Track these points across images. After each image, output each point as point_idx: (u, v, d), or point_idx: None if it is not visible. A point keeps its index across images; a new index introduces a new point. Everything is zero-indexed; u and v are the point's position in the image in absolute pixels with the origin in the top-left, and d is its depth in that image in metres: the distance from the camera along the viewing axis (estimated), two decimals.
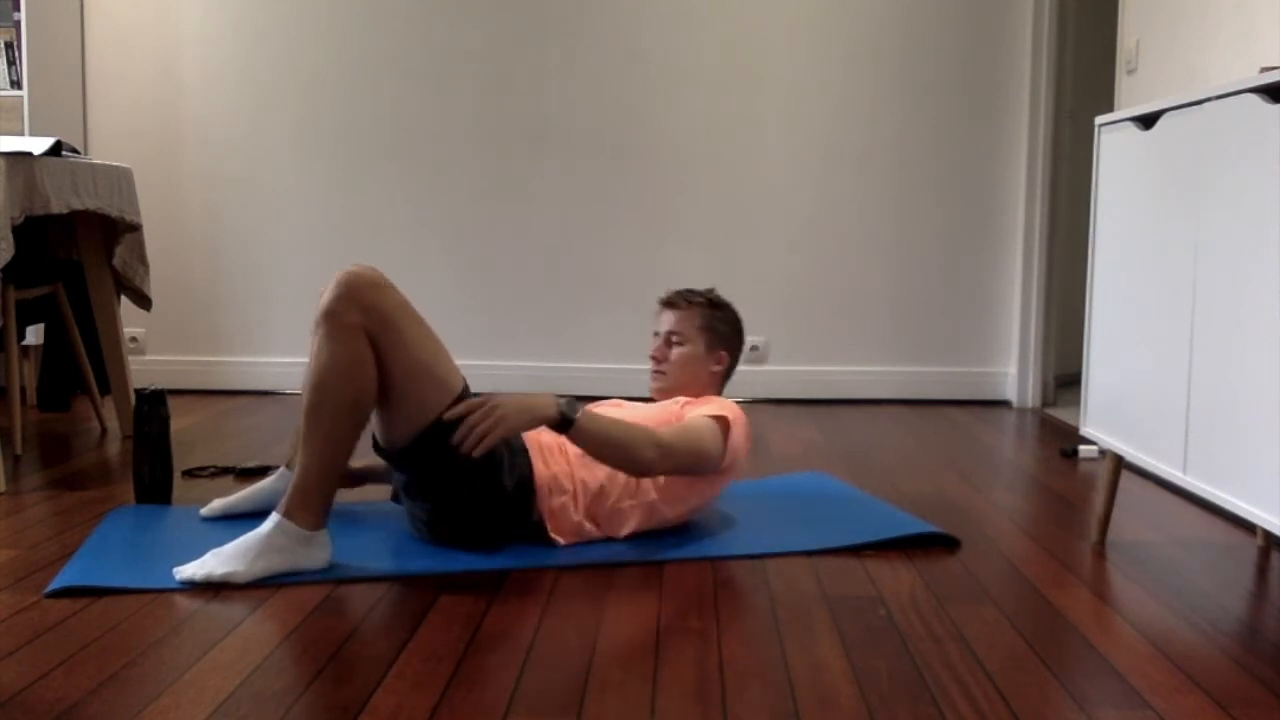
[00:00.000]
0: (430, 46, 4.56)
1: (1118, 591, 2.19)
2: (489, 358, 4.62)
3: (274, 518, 2.19)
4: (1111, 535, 2.61)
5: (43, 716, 1.56)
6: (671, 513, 2.48)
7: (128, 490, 2.91)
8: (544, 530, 2.39)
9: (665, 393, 2.67)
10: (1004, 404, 4.59)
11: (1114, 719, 1.61)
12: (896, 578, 2.25)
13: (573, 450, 2.44)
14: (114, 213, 3.42)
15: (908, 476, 3.21)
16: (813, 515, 2.69)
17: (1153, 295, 2.31)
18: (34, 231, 3.59)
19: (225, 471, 3.14)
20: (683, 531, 2.53)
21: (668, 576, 2.24)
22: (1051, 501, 2.94)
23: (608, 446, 2.27)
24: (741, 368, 4.43)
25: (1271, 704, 1.67)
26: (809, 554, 2.40)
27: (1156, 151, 2.32)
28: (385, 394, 2.23)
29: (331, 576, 2.19)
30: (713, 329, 2.68)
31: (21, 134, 4.29)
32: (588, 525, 2.43)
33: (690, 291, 2.73)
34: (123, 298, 3.70)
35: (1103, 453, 3.44)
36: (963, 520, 2.71)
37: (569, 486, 2.40)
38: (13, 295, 3.30)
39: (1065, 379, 4.84)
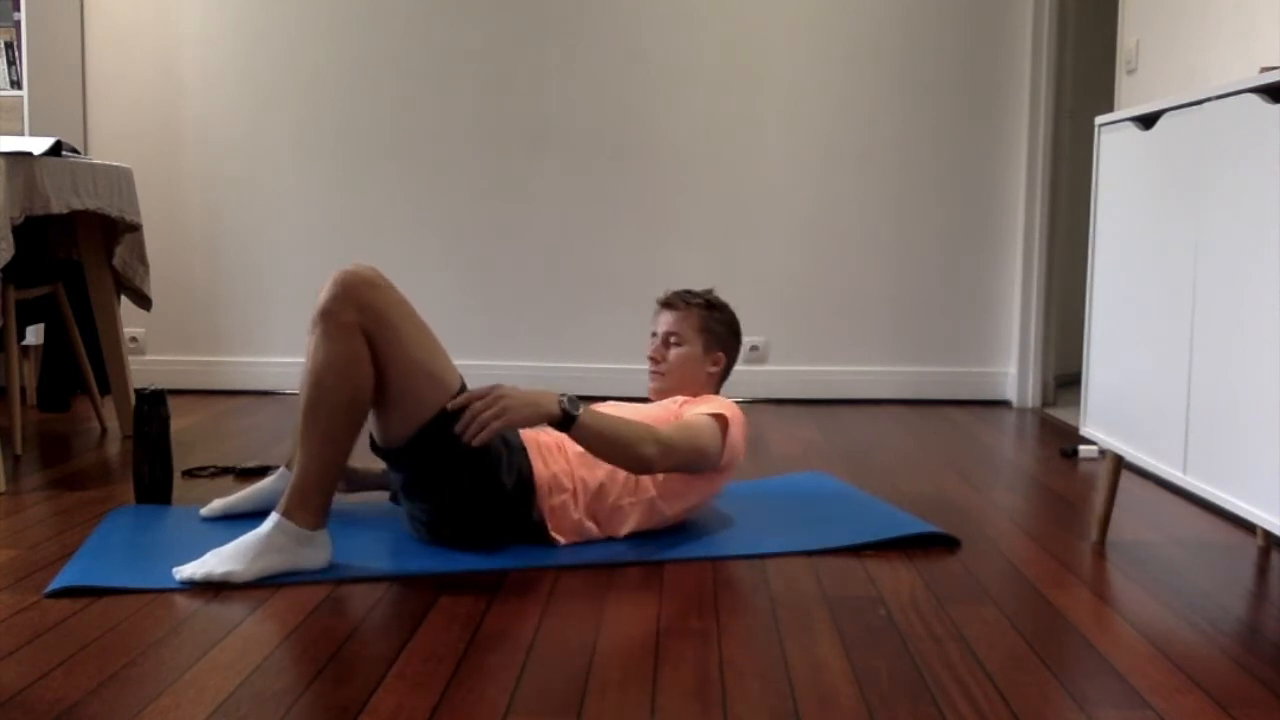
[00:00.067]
0: (430, 46, 4.56)
1: (1118, 591, 2.19)
2: (489, 358, 4.62)
3: (273, 517, 2.19)
4: (1111, 535, 2.61)
5: (43, 716, 1.56)
6: (671, 510, 2.49)
7: (128, 490, 2.91)
8: (544, 530, 2.39)
9: (663, 393, 2.68)
10: (1004, 404, 4.59)
11: (1114, 719, 1.61)
12: (896, 578, 2.25)
13: (572, 449, 2.44)
14: (114, 213, 3.42)
15: (908, 476, 3.21)
16: (813, 515, 2.69)
17: (1153, 295, 2.31)
18: (34, 231, 3.59)
19: (225, 471, 3.14)
20: (683, 531, 2.53)
21: (668, 576, 2.24)
22: (1051, 501, 2.94)
23: (609, 443, 2.28)
24: (741, 368, 4.43)
25: (1271, 704, 1.67)
26: (809, 554, 2.40)
27: (1156, 151, 2.32)
28: (382, 392, 2.23)
29: (331, 576, 2.19)
30: (710, 330, 2.68)
31: (21, 134, 4.29)
32: (588, 523, 2.43)
33: (688, 292, 2.73)
34: (123, 298, 3.70)
35: (1103, 453, 3.43)
36: (963, 520, 2.71)
37: (569, 485, 2.40)
38: (13, 295, 3.30)
39: (1065, 379, 4.84)
